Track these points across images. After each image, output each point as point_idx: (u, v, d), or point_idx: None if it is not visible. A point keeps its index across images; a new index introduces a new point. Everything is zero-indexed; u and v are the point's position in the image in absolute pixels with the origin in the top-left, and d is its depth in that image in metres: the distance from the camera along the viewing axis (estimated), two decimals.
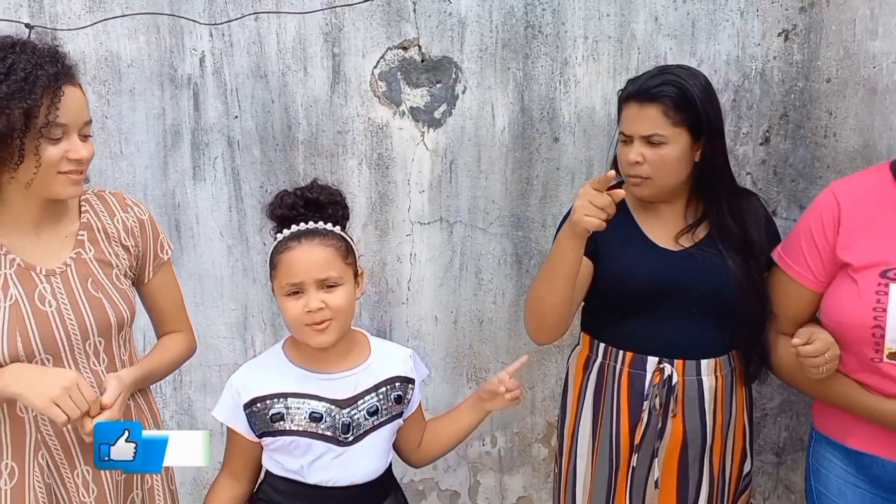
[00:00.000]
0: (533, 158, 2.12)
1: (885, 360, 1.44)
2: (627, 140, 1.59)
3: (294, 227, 1.44)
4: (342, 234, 1.48)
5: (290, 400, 1.43)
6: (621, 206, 1.65)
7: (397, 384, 1.51)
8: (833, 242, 1.53)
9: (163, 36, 2.10)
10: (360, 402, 1.46)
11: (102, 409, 1.29)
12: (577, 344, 1.79)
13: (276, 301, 2.18)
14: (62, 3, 2.07)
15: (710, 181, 1.62)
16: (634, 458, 1.63)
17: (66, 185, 1.31)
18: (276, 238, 1.47)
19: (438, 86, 2.10)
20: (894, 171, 1.54)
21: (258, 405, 1.43)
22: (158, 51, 2.11)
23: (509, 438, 2.30)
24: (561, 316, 1.57)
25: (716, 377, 1.62)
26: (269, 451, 1.48)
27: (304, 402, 1.43)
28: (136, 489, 1.47)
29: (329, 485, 1.44)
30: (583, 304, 1.73)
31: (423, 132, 2.13)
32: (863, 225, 1.51)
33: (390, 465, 1.55)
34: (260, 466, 1.52)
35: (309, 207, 1.46)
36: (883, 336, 1.43)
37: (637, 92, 1.56)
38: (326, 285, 1.41)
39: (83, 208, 1.44)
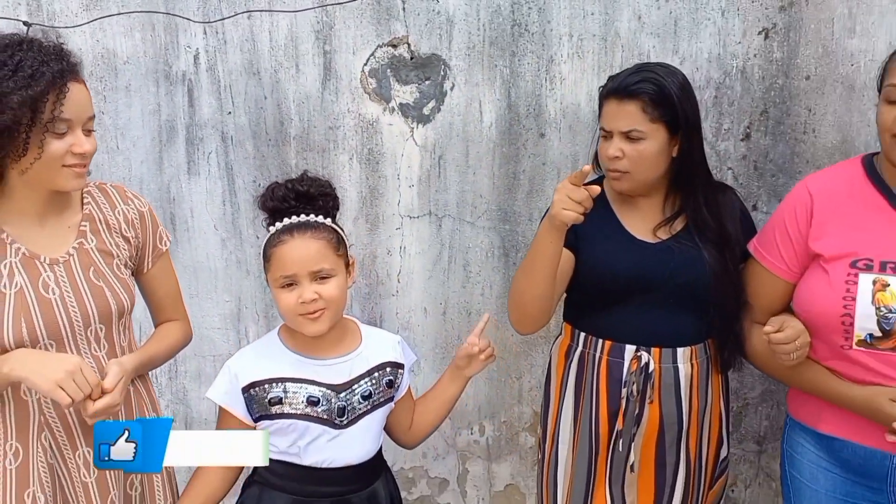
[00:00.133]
0: (519, 154, 2.17)
1: (854, 347, 1.49)
2: (607, 135, 1.64)
3: (286, 221, 1.49)
4: (333, 225, 1.52)
5: (288, 384, 1.48)
6: (602, 199, 1.71)
7: (388, 369, 1.57)
8: (805, 234, 1.58)
9: (158, 33, 2.14)
10: (354, 387, 1.52)
11: (104, 393, 1.34)
12: (560, 334, 1.84)
13: (269, 292, 2.25)
14: (59, 1, 2.11)
15: (688, 175, 1.67)
16: (619, 442, 1.68)
17: (70, 177, 1.36)
18: (268, 230, 1.51)
19: (427, 83, 2.15)
20: (866, 166, 1.60)
21: (256, 389, 1.48)
22: (154, 48, 2.15)
23: (497, 427, 2.35)
24: (542, 307, 1.62)
25: (691, 365, 1.67)
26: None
27: (301, 387, 1.48)
28: None
29: (324, 466, 1.49)
30: (565, 295, 1.78)
31: (413, 128, 2.17)
32: (834, 217, 1.56)
33: (381, 447, 1.60)
34: None
35: (300, 200, 1.50)
36: (852, 324, 1.48)
37: (616, 89, 1.61)
38: (319, 277, 1.46)
39: (86, 200, 1.49)
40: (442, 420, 1.70)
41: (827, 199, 1.58)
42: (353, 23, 2.12)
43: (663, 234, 1.68)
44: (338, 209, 1.58)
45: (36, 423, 1.38)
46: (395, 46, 2.13)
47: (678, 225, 1.69)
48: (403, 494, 1.86)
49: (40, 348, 1.35)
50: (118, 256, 1.49)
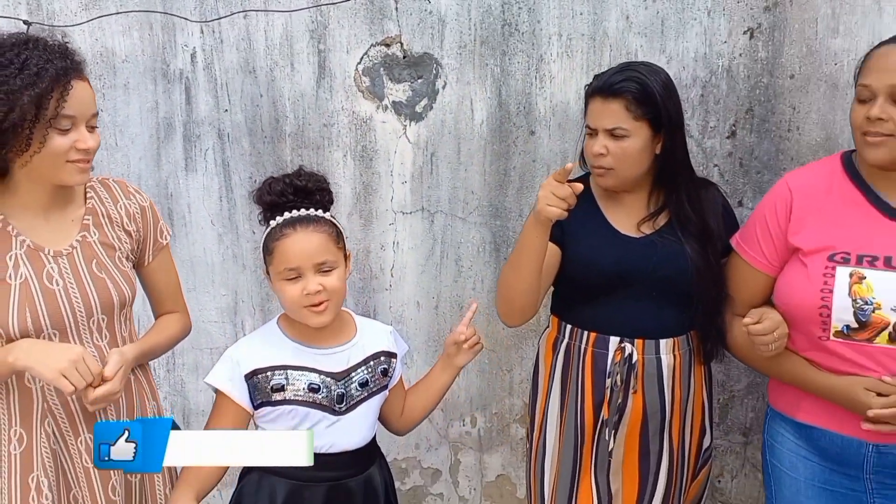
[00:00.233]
0: (510, 151, 2.21)
1: (832, 338, 1.54)
2: (592, 133, 1.68)
3: (287, 214, 1.52)
4: (332, 219, 1.57)
5: (290, 372, 1.52)
6: (588, 196, 1.76)
7: (382, 358, 1.62)
8: (785, 229, 1.63)
9: (156, 33, 2.18)
10: (352, 375, 1.57)
11: (104, 381, 1.38)
12: (548, 326, 1.88)
13: (265, 286, 2.29)
14: (59, 0, 2.15)
15: (671, 172, 1.71)
16: (605, 431, 1.72)
17: (73, 172, 1.40)
18: (267, 224, 1.54)
19: (419, 81, 2.19)
20: (844, 162, 1.64)
21: (259, 376, 1.52)
22: (151, 47, 2.19)
23: (488, 419, 2.40)
24: (528, 300, 1.67)
25: (674, 356, 1.72)
26: (263, 423, 1.56)
27: (303, 374, 1.52)
28: None
29: (322, 451, 1.53)
30: (552, 288, 1.83)
31: (405, 125, 2.22)
32: (813, 212, 1.60)
33: (375, 434, 1.65)
34: None
35: (298, 194, 1.54)
36: (830, 316, 1.53)
37: (601, 87, 1.65)
38: (322, 269, 1.50)
39: (89, 195, 1.53)
40: (433, 408, 1.74)
41: (806, 194, 1.62)
42: (346, 22, 2.16)
43: (647, 229, 1.72)
44: (332, 203, 1.62)
45: (39, 410, 1.42)
46: (388, 45, 2.17)
47: (661, 220, 1.73)
48: (397, 484, 1.90)
49: (44, 337, 1.40)
50: (120, 249, 1.53)
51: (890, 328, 1.48)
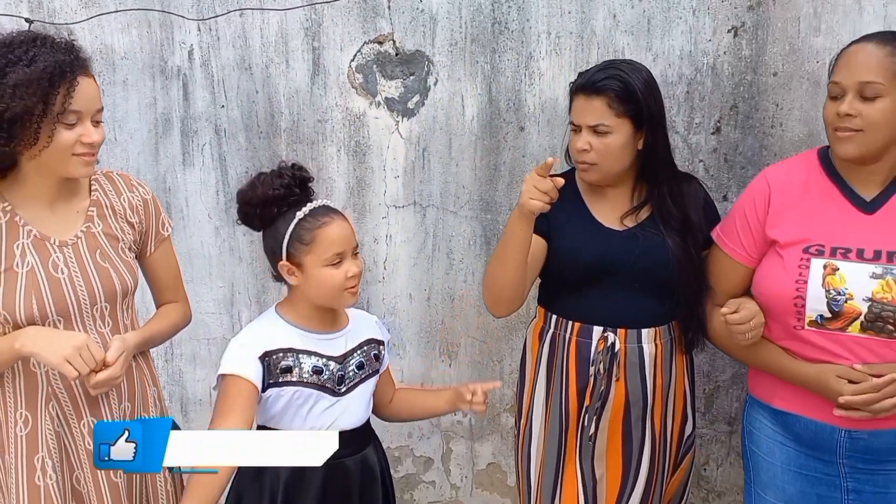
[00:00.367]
0: (500, 146, 2.26)
1: (806, 327, 1.58)
2: (576, 129, 1.73)
3: (314, 204, 1.57)
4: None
5: (298, 354, 1.58)
6: (574, 190, 1.81)
7: (373, 344, 1.70)
8: (763, 222, 1.67)
9: (154, 30, 2.23)
10: (350, 358, 1.63)
11: (106, 366, 1.43)
12: (535, 317, 1.93)
13: (260, 278, 2.34)
14: None
15: (653, 167, 1.75)
16: (584, 417, 1.78)
17: (79, 165, 1.45)
18: (293, 216, 1.55)
19: (412, 78, 2.24)
20: (821, 158, 1.69)
21: (272, 357, 1.56)
22: (150, 44, 2.24)
23: None
24: (514, 292, 1.71)
25: (655, 345, 1.77)
26: (268, 405, 1.58)
27: (309, 357, 1.58)
28: None
29: (322, 430, 1.59)
30: (539, 280, 1.88)
31: (398, 121, 2.27)
32: (790, 206, 1.65)
33: (369, 418, 1.71)
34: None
35: (302, 186, 1.60)
36: (804, 306, 1.57)
37: (584, 85, 1.70)
38: (354, 252, 1.59)
39: (93, 187, 1.58)
40: (416, 419, 1.80)
41: (784, 188, 1.67)
42: (340, 20, 2.21)
43: (630, 223, 1.77)
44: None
45: (44, 394, 1.48)
46: (380, 43, 2.22)
47: (644, 214, 1.78)
48: (388, 478, 1.95)
49: (49, 324, 1.45)
50: (123, 240, 1.59)
51: (861, 318, 1.53)
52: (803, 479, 1.66)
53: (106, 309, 1.53)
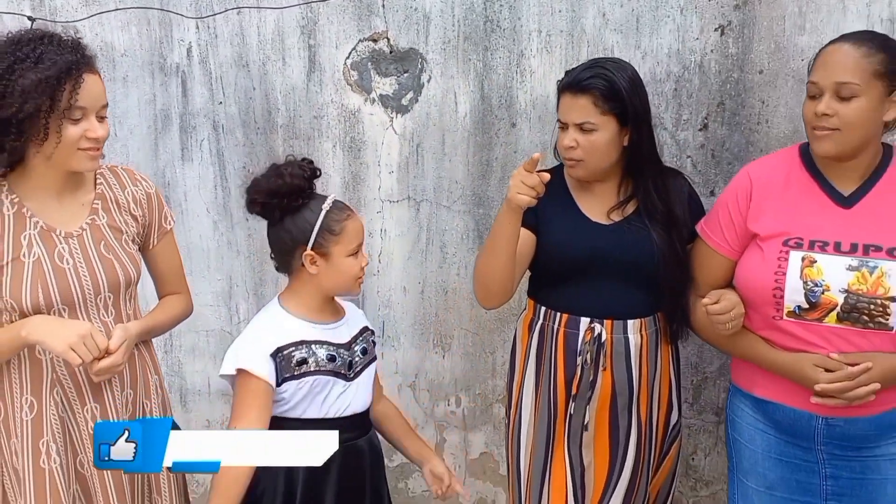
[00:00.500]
0: (492, 142, 2.31)
1: (785, 318, 1.63)
2: (563, 127, 1.78)
3: (332, 197, 1.64)
4: None
5: (310, 346, 1.63)
6: (562, 185, 1.86)
7: (367, 333, 1.77)
8: (745, 216, 1.72)
9: (153, 28, 2.28)
10: (355, 344, 1.71)
11: (108, 353, 1.48)
12: (524, 308, 1.98)
13: (258, 271, 2.39)
14: None
15: (638, 163, 1.80)
16: (571, 405, 1.83)
17: (84, 159, 1.50)
18: (321, 209, 1.60)
19: (405, 75, 2.29)
20: (802, 153, 1.73)
21: (283, 353, 1.60)
22: (149, 42, 2.29)
23: (472, 399, 2.50)
24: (503, 284, 1.76)
25: (641, 335, 1.82)
26: (287, 398, 1.62)
27: (321, 346, 1.64)
28: None
29: (338, 415, 1.66)
30: (529, 273, 1.93)
31: (392, 118, 2.31)
32: (771, 200, 1.70)
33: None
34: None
35: (313, 179, 1.66)
36: (783, 297, 1.62)
37: (570, 84, 1.74)
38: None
39: (98, 181, 1.63)
40: (385, 439, 1.84)
41: (765, 183, 1.71)
42: (335, 19, 2.25)
43: (616, 217, 1.82)
44: None
45: (49, 380, 1.53)
46: (375, 41, 2.27)
47: (630, 208, 1.83)
48: (385, 462, 2.00)
49: (54, 313, 1.50)
50: (126, 232, 1.63)
51: (838, 309, 1.58)
52: (783, 466, 1.71)
53: (109, 299, 1.58)
